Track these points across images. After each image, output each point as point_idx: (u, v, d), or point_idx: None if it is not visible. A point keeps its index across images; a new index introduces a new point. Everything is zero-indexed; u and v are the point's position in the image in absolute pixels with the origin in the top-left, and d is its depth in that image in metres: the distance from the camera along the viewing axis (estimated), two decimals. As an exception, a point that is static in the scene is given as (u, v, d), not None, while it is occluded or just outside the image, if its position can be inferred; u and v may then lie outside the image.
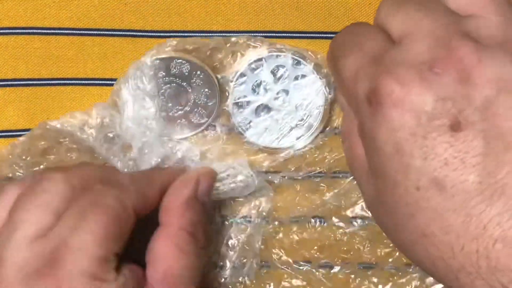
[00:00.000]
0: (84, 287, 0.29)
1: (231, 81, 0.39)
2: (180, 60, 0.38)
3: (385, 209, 0.30)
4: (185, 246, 0.33)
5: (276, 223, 0.40)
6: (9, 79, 0.39)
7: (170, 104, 0.38)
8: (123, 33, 0.39)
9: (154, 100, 0.38)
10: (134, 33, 0.39)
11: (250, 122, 0.39)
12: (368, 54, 0.30)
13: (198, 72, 0.38)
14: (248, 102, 0.39)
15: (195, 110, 0.38)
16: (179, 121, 0.39)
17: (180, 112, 0.38)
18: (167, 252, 0.33)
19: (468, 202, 0.27)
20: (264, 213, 0.39)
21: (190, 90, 0.38)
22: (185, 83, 0.38)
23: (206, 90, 0.38)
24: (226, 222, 0.40)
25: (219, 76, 0.39)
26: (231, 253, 0.39)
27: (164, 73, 0.38)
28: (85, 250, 0.30)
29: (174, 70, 0.38)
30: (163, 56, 0.38)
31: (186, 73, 0.38)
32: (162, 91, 0.38)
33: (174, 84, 0.38)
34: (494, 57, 0.28)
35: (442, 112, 0.27)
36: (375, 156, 0.29)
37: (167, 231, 0.33)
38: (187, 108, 0.38)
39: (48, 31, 0.38)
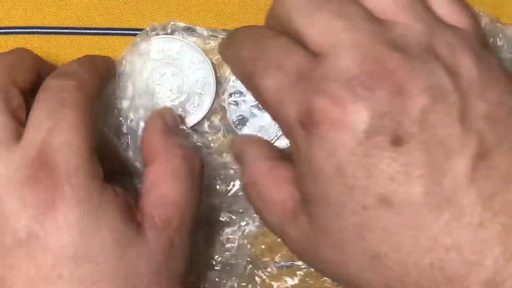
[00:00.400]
0: (83, 184, 0.29)
1: (228, 77, 0.38)
2: (181, 43, 0.38)
3: (327, 240, 0.28)
4: (177, 170, 0.32)
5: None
6: (8, 79, 0.38)
7: (163, 90, 0.38)
8: (123, 32, 0.39)
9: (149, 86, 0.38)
10: (134, 32, 0.39)
11: (245, 120, 0.38)
12: (291, 72, 0.29)
13: (197, 59, 0.38)
14: (245, 100, 0.38)
15: (192, 98, 0.38)
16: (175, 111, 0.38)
17: (176, 101, 0.38)
18: (159, 178, 0.32)
19: (416, 215, 0.26)
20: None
21: (187, 77, 0.38)
22: (183, 69, 0.38)
23: (203, 78, 0.38)
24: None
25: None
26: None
27: (162, 56, 0.38)
28: (72, 147, 0.29)
29: (172, 53, 0.38)
30: (165, 36, 0.38)
31: (185, 58, 0.38)
32: (160, 75, 0.38)
33: (172, 68, 0.38)
34: (424, 65, 0.27)
35: (381, 128, 0.26)
36: (314, 182, 0.28)
37: (155, 162, 0.33)
38: (184, 96, 0.38)
39: (48, 30, 0.38)
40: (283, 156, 0.34)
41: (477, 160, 0.26)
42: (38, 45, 0.38)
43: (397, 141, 0.26)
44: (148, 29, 0.38)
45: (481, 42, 0.30)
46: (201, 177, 0.34)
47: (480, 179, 0.26)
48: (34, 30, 0.38)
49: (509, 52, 0.39)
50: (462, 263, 0.26)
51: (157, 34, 0.38)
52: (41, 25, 0.38)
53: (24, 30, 0.38)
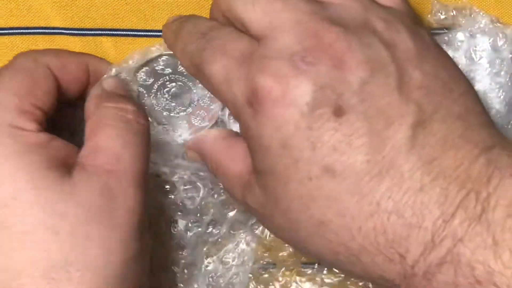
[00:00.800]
0: (3, 134, 0.30)
1: None
2: None
3: (278, 208, 0.30)
4: (107, 121, 0.32)
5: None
6: (13, 79, 0.39)
7: (173, 104, 0.38)
8: (125, 32, 0.39)
9: (152, 97, 0.38)
10: (136, 33, 0.39)
11: None
12: (235, 56, 0.30)
13: None
14: None
15: (198, 112, 0.38)
16: (180, 122, 0.38)
17: (182, 113, 0.38)
18: (90, 132, 0.32)
19: (359, 182, 0.27)
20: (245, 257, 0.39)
21: (194, 91, 0.38)
22: (190, 83, 0.38)
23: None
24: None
25: None
26: None
27: (171, 70, 0.38)
28: (3, 104, 0.30)
29: (181, 68, 0.38)
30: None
31: None
32: (167, 88, 0.38)
33: (180, 83, 0.38)
34: (361, 39, 0.28)
35: (322, 100, 0.28)
36: (263, 156, 0.29)
37: (88, 120, 0.33)
38: (190, 110, 0.38)
39: (52, 30, 0.39)
40: (239, 134, 0.35)
41: (415, 128, 0.27)
42: (42, 45, 0.39)
43: (338, 112, 0.28)
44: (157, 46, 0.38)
45: (414, 20, 0.32)
46: (142, 132, 0.33)
47: (419, 146, 0.27)
48: (38, 30, 0.39)
49: (509, 52, 0.39)
50: (403, 225, 0.27)
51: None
52: (45, 26, 0.39)
53: (28, 31, 0.39)
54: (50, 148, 0.31)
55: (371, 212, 0.27)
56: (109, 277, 0.29)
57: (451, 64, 0.31)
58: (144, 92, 0.37)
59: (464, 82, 0.30)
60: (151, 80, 0.38)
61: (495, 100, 0.39)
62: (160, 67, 0.37)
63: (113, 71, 0.37)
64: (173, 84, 0.38)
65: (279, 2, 0.30)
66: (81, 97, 0.36)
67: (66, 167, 0.30)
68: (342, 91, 0.28)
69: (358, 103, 0.28)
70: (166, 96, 0.38)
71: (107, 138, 0.32)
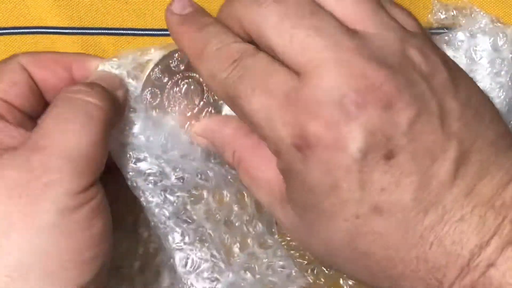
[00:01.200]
0: None
1: None
2: None
3: (316, 237, 0.30)
4: (57, 99, 0.32)
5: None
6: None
7: (185, 102, 0.37)
8: (125, 32, 0.39)
9: (165, 97, 0.36)
10: (135, 32, 0.39)
11: None
12: (277, 94, 0.29)
13: None
14: None
15: (206, 109, 0.37)
16: (188, 122, 0.37)
17: (192, 111, 0.37)
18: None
19: (405, 218, 0.28)
20: None
21: (205, 87, 0.37)
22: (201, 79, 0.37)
23: None
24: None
25: None
26: None
27: (183, 67, 0.36)
28: None
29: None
30: None
31: None
32: (179, 87, 0.37)
33: (191, 80, 0.37)
34: (405, 77, 0.28)
35: (374, 145, 0.28)
36: (306, 196, 0.29)
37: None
38: (200, 107, 0.37)
39: (51, 30, 0.39)
40: None
41: (457, 162, 0.28)
42: (41, 45, 0.39)
43: (389, 155, 0.28)
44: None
45: (433, 42, 0.31)
46: (89, 109, 0.31)
47: (460, 178, 0.28)
48: (38, 30, 0.39)
49: (510, 52, 0.39)
50: (443, 254, 0.28)
51: None
52: (44, 25, 0.39)
53: (27, 30, 0.39)
54: None
55: (414, 244, 0.28)
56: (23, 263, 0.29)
57: (476, 85, 0.31)
58: (158, 92, 0.36)
59: (490, 103, 0.31)
60: (166, 79, 0.36)
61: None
62: (175, 63, 0.36)
63: (104, 65, 0.36)
64: (186, 81, 0.37)
65: (319, 37, 0.28)
66: None
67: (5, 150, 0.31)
68: (392, 133, 0.28)
69: (407, 144, 0.28)
70: (179, 95, 0.37)
71: (46, 117, 0.31)
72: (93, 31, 0.39)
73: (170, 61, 0.36)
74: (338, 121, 0.28)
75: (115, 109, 0.33)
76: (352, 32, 0.29)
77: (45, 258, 0.29)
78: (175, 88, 0.36)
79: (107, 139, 0.32)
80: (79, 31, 0.39)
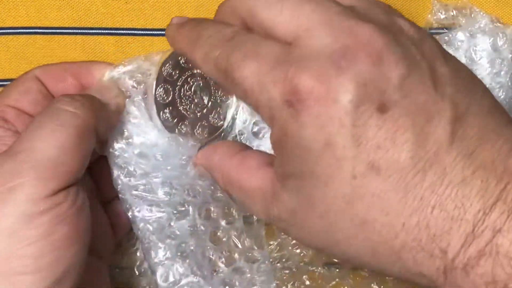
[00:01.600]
0: None
1: None
2: None
3: (314, 212, 0.29)
4: (38, 117, 0.32)
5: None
6: (12, 79, 0.39)
7: (195, 101, 0.37)
8: (125, 32, 0.39)
9: (177, 95, 0.36)
10: (135, 32, 0.39)
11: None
12: (268, 59, 0.29)
13: None
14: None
15: (215, 110, 0.37)
16: (199, 123, 0.37)
17: (202, 112, 0.37)
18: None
19: (403, 179, 0.27)
20: None
21: (212, 84, 0.37)
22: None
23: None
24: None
25: None
26: None
27: (191, 64, 0.36)
28: None
29: None
30: None
31: None
32: (190, 85, 0.36)
33: (199, 78, 0.37)
34: (397, 39, 0.29)
35: (365, 97, 0.28)
36: (301, 159, 0.29)
37: None
38: (208, 107, 0.37)
39: (51, 30, 0.39)
40: (248, 147, 0.35)
41: (454, 122, 0.28)
42: (41, 45, 0.39)
43: (382, 108, 0.28)
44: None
45: None
46: (66, 119, 0.31)
47: (458, 140, 0.28)
48: (37, 30, 0.39)
49: (509, 52, 0.39)
50: (445, 219, 0.27)
51: None
52: (43, 25, 0.39)
53: (26, 30, 0.39)
54: None
55: (414, 208, 0.27)
56: None
57: (464, 64, 0.31)
58: (170, 89, 0.36)
59: (480, 81, 0.31)
60: (176, 75, 0.36)
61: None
62: (183, 59, 0.36)
63: (110, 72, 0.36)
64: (195, 79, 0.36)
65: (307, 4, 0.29)
66: None
67: None
68: (384, 87, 0.28)
69: (400, 99, 0.28)
70: (189, 93, 0.36)
71: (28, 125, 0.32)
72: (93, 31, 0.39)
73: (179, 58, 0.36)
74: (328, 74, 0.28)
75: (101, 117, 0.33)
76: (339, 2, 0.30)
77: (4, 262, 0.29)
78: (185, 86, 0.36)
79: (85, 146, 0.32)
80: (79, 31, 0.39)
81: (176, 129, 0.36)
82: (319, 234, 0.30)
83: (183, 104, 0.36)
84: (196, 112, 0.37)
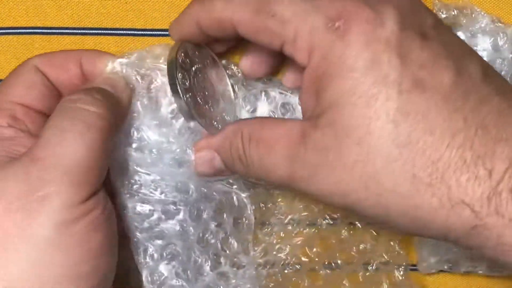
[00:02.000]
0: None
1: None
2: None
3: (351, 139, 0.29)
4: (58, 109, 0.31)
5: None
6: (11, 79, 0.39)
7: (211, 87, 0.36)
8: (124, 32, 0.39)
9: (192, 83, 0.35)
10: (135, 32, 0.39)
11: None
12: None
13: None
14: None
15: (223, 114, 0.36)
16: (218, 116, 0.36)
17: (215, 105, 0.36)
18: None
19: (447, 99, 0.28)
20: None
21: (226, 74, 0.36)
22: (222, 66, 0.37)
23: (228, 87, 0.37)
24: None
25: None
26: None
27: (199, 54, 0.35)
28: None
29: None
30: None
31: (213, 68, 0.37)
32: (202, 72, 0.35)
33: (210, 66, 0.36)
34: None
35: (409, 24, 0.29)
36: (343, 81, 0.29)
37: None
38: (220, 101, 0.36)
39: (50, 30, 0.38)
40: None
41: (483, 67, 0.30)
42: (40, 45, 0.38)
43: (423, 37, 0.29)
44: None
45: None
46: (90, 120, 0.31)
47: (489, 79, 0.30)
48: (36, 30, 0.38)
49: (510, 52, 0.39)
50: (489, 140, 0.28)
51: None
52: (42, 26, 0.38)
53: (26, 31, 0.38)
54: (9, 142, 0.31)
55: (459, 128, 0.28)
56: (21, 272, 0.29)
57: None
58: (186, 75, 0.35)
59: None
60: (189, 63, 0.35)
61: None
62: (192, 50, 0.35)
63: (113, 63, 0.35)
64: (206, 67, 0.36)
65: None
66: None
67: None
68: (423, 22, 0.30)
69: (435, 36, 0.30)
70: (202, 79, 0.36)
71: (46, 127, 0.31)
72: (93, 31, 0.39)
73: (189, 47, 0.35)
74: (374, 1, 0.29)
75: (117, 114, 0.33)
76: None
77: (41, 273, 0.29)
78: (198, 73, 0.36)
79: (108, 146, 0.31)
80: (78, 31, 0.39)
81: (195, 117, 0.34)
82: (352, 171, 0.29)
83: (199, 94, 0.35)
84: (210, 104, 0.36)
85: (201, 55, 0.36)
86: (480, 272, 0.42)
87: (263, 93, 0.38)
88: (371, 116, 0.28)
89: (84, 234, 0.30)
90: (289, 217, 0.40)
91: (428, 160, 0.28)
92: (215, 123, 0.36)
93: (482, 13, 0.39)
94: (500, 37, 0.39)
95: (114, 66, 0.35)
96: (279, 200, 0.40)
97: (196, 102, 0.35)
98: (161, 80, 0.35)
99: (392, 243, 0.40)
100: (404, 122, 0.28)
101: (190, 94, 0.35)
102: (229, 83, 0.38)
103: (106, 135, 0.31)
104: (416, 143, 0.28)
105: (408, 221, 0.29)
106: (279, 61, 0.38)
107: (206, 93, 0.36)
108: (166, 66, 0.34)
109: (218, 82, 0.37)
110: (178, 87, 0.34)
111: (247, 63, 0.37)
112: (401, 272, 0.40)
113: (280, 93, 0.38)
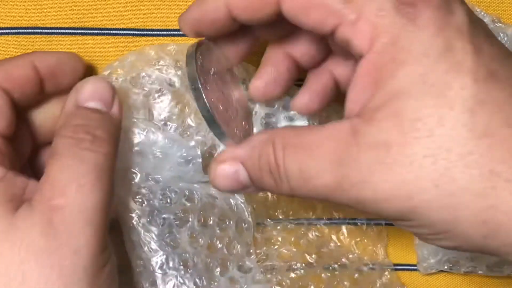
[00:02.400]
0: None
1: None
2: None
3: (417, 130, 0.26)
4: (57, 151, 0.30)
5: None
6: (11, 79, 0.39)
7: (229, 91, 0.34)
8: (124, 32, 0.39)
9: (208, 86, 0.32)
10: (135, 32, 0.39)
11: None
12: None
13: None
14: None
15: (237, 125, 0.34)
16: (237, 124, 0.34)
17: (234, 113, 0.34)
18: (47, 158, 0.31)
19: None
20: None
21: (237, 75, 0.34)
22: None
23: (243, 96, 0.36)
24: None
25: None
26: None
27: (213, 57, 0.33)
28: None
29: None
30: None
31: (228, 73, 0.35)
32: (219, 75, 0.33)
33: (225, 70, 0.34)
34: None
35: (474, 17, 0.28)
36: (412, 67, 0.27)
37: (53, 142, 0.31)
38: (237, 98, 0.34)
39: (50, 30, 0.38)
40: None
41: None
42: (39, 45, 0.38)
43: (488, 32, 0.28)
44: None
45: None
46: (98, 161, 0.31)
47: None
48: (36, 30, 0.38)
49: (510, 52, 0.39)
50: None
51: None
52: (42, 26, 0.38)
53: (25, 31, 0.38)
54: (1, 184, 0.30)
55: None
56: None
57: None
58: (205, 79, 0.32)
59: None
60: (206, 67, 0.32)
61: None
62: (207, 53, 0.33)
63: (108, 71, 0.36)
64: (221, 71, 0.34)
65: None
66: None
67: (16, 203, 0.29)
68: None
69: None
70: (220, 83, 0.33)
71: (56, 169, 0.30)
72: (93, 31, 0.39)
73: (204, 47, 0.33)
74: None
75: (117, 135, 0.32)
76: None
77: None
78: (216, 77, 0.33)
79: (113, 182, 0.31)
80: (78, 31, 0.38)
81: (219, 125, 0.31)
82: (420, 168, 0.26)
83: (219, 100, 0.33)
84: (230, 111, 0.34)
85: (216, 58, 0.33)
86: (480, 272, 0.42)
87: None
88: (444, 106, 0.26)
89: (108, 279, 0.30)
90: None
91: (507, 153, 0.26)
92: (237, 131, 0.33)
93: (483, 13, 0.39)
94: (500, 37, 0.39)
95: (103, 73, 0.35)
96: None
97: (218, 108, 0.32)
98: (150, 86, 0.36)
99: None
100: (481, 111, 0.26)
101: (212, 99, 0.32)
102: (243, 89, 0.36)
103: (113, 170, 0.31)
104: (493, 134, 0.26)
105: (477, 226, 0.26)
106: (294, 79, 0.35)
107: (226, 99, 0.34)
108: (159, 69, 0.34)
109: (234, 88, 0.35)
110: (202, 92, 0.31)
111: (260, 84, 0.34)
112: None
113: (285, 117, 0.36)
